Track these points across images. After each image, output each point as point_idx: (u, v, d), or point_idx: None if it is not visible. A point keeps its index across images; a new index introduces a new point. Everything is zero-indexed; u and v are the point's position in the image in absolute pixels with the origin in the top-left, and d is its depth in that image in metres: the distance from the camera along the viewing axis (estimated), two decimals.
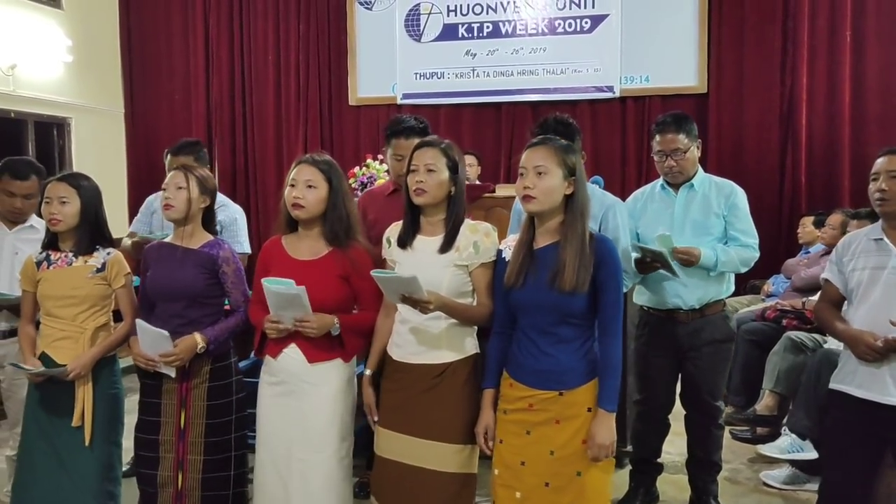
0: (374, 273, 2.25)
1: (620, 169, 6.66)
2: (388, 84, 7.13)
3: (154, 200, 3.69)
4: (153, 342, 2.55)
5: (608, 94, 6.68)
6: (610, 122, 6.72)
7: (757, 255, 3.06)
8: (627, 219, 3.01)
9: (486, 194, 4.99)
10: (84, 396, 2.70)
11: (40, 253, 2.78)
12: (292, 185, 2.50)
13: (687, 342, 3.05)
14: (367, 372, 2.54)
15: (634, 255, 2.95)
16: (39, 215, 2.92)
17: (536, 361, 2.23)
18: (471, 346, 2.45)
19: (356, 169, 6.12)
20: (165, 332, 2.52)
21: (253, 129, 7.49)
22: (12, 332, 3.18)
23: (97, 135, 7.25)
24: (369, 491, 2.95)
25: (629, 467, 3.35)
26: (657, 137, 3.07)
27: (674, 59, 6.53)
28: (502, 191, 5.52)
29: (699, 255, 2.90)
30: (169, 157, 3.67)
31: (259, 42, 7.40)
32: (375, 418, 2.50)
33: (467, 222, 2.44)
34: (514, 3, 6.82)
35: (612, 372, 2.19)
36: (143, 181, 7.51)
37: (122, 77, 7.64)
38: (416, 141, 3.16)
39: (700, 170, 3.12)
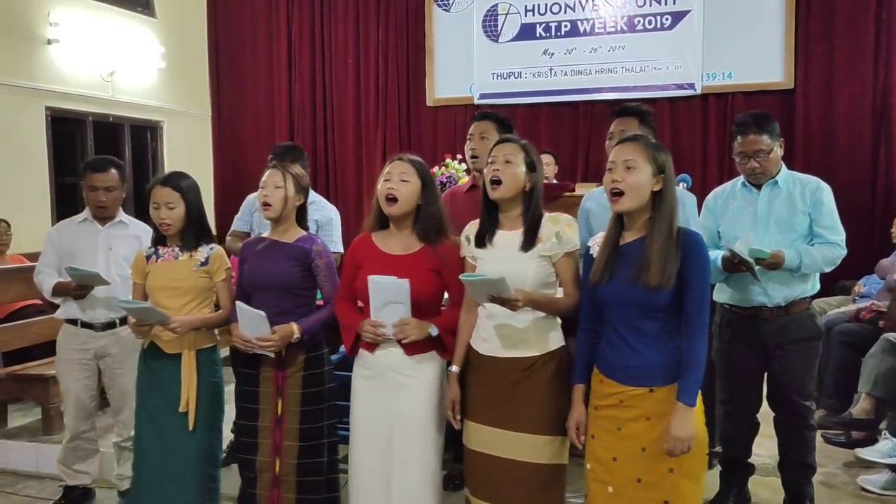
0: (463, 277, 2.29)
1: (702, 167, 6.55)
2: (466, 84, 7.20)
3: (255, 199, 3.84)
4: (251, 323, 2.64)
5: (689, 92, 6.58)
6: (691, 119, 6.62)
7: (843, 252, 2.97)
8: (696, 212, 2.98)
9: (566, 193, 4.98)
10: (189, 384, 2.84)
11: (150, 248, 2.94)
12: (386, 180, 2.55)
13: (772, 340, 2.99)
14: (454, 369, 2.55)
15: (724, 253, 2.91)
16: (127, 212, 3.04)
17: (625, 357, 2.23)
18: (556, 339, 2.46)
19: (435, 169, 6.20)
20: (262, 313, 2.60)
21: (333, 132, 7.68)
22: (111, 325, 3.36)
23: (187, 138, 7.58)
24: (458, 483, 3.01)
25: (719, 468, 3.29)
26: (738, 139, 3.01)
27: (758, 55, 6.38)
28: (582, 189, 5.50)
29: (783, 259, 2.85)
30: (272, 160, 3.80)
31: (339, 47, 7.59)
32: (458, 416, 2.52)
33: (548, 214, 2.46)
34: (593, 1, 6.79)
35: (694, 366, 2.16)
36: (228, 182, 7.82)
37: (210, 82, 7.96)
38: (489, 123, 3.24)
39: (783, 167, 3.05)
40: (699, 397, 2.20)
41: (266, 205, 2.74)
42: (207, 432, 2.90)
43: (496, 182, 2.41)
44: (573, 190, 5.02)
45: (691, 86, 6.58)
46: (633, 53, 6.72)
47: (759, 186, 3.04)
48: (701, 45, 6.52)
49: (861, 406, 3.84)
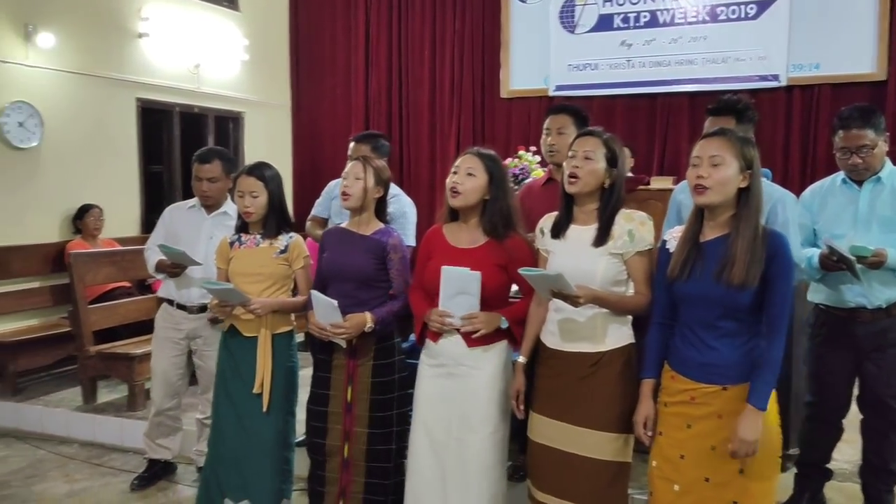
0: (522, 271, 2.30)
1: (783, 162, 6.33)
2: (541, 76, 7.16)
3: (335, 187, 3.93)
4: (325, 311, 2.73)
5: (773, 83, 6.36)
6: (773, 112, 6.39)
7: None
8: (797, 213, 2.87)
9: (641, 187, 4.91)
10: (264, 366, 2.94)
11: (233, 235, 3.06)
12: (454, 173, 2.60)
13: (870, 343, 2.87)
14: (521, 360, 2.57)
15: (821, 251, 2.81)
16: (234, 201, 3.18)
17: (700, 354, 2.19)
18: (626, 335, 2.44)
19: (508, 160, 6.20)
20: (334, 302, 2.69)
21: (408, 122, 7.76)
22: (203, 308, 3.51)
23: (266, 127, 7.79)
24: (523, 474, 3.02)
25: (793, 470, 3.20)
26: (840, 133, 2.87)
27: (848, 45, 6.13)
28: (657, 183, 5.40)
29: (886, 257, 2.72)
30: (352, 143, 3.90)
31: (416, 38, 7.65)
32: (521, 406, 2.54)
33: (622, 211, 2.43)
34: None
35: (769, 369, 2.12)
36: (306, 170, 8.01)
37: (290, 73, 8.14)
38: (566, 117, 3.21)
39: (888, 162, 2.91)
40: (774, 398, 2.16)
41: (345, 195, 2.80)
42: (282, 415, 3.01)
43: (574, 177, 2.40)
44: (648, 184, 4.94)
45: (776, 77, 6.36)
46: (715, 44, 6.54)
47: (860, 183, 2.90)
48: (787, 35, 6.29)
49: None
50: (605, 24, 6.90)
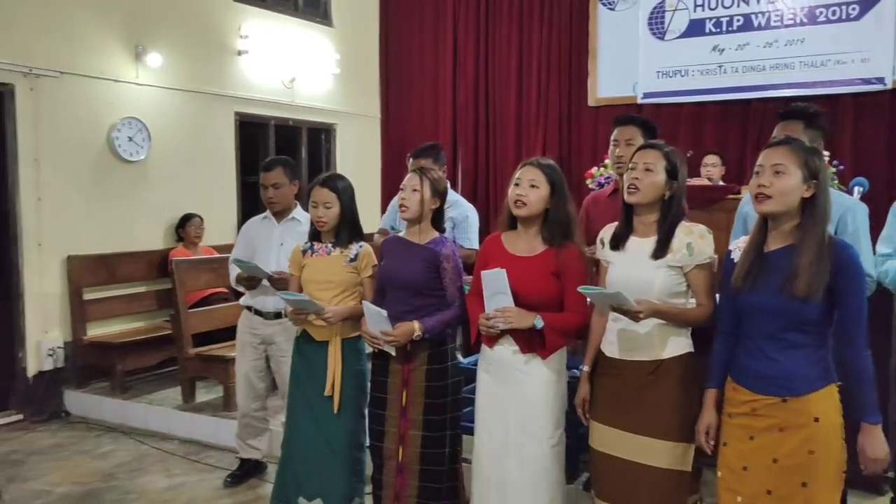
0: (582, 289, 2.33)
1: (887, 170, 5.99)
2: (629, 84, 7.05)
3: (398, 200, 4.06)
4: (375, 320, 2.83)
5: (878, 87, 6.04)
6: (877, 117, 6.06)
7: None
8: (867, 224, 2.76)
9: (731, 195, 4.79)
10: (334, 369, 3.06)
11: (306, 243, 3.20)
12: (516, 185, 2.65)
13: None
14: (585, 368, 2.61)
15: None
16: (304, 209, 3.30)
17: (761, 366, 2.16)
18: (684, 344, 2.44)
19: (594, 169, 6.16)
20: (383, 312, 2.79)
21: (495, 131, 7.80)
22: (278, 315, 3.67)
23: (357, 138, 8.01)
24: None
25: (890, 494, 3.05)
26: None
27: None
28: (748, 191, 5.23)
29: None
30: (411, 160, 4.00)
31: (503, 47, 7.69)
32: (587, 415, 2.57)
33: (682, 224, 2.43)
34: None
35: (865, 381, 2.09)
36: (394, 180, 8.12)
37: (380, 85, 8.34)
38: (634, 129, 3.19)
39: None
40: (840, 412, 2.11)
41: (403, 206, 2.90)
42: (353, 416, 3.12)
43: (633, 188, 2.41)
44: (738, 192, 4.80)
45: (880, 80, 6.03)
46: (814, 47, 6.26)
47: None
48: (893, 36, 5.96)
49: None
50: (696, 29, 6.74)
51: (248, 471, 4.00)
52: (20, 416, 5.08)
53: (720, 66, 6.64)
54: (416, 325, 2.81)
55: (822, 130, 2.85)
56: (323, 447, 3.06)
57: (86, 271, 5.43)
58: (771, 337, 2.15)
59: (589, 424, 2.58)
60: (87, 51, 5.49)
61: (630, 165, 2.47)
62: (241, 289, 3.83)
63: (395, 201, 4.13)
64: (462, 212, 3.89)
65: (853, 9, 6.13)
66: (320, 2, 7.67)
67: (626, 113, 3.38)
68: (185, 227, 6.03)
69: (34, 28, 5.15)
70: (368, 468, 3.15)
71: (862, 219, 2.75)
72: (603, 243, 2.57)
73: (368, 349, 3.07)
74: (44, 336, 5.25)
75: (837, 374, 2.14)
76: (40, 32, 5.18)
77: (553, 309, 2.63)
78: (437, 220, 2.99)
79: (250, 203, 6.88)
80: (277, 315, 3.67)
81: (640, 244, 2.45)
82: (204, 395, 5.19)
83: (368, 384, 3.14)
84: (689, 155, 5.19)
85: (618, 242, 2.50)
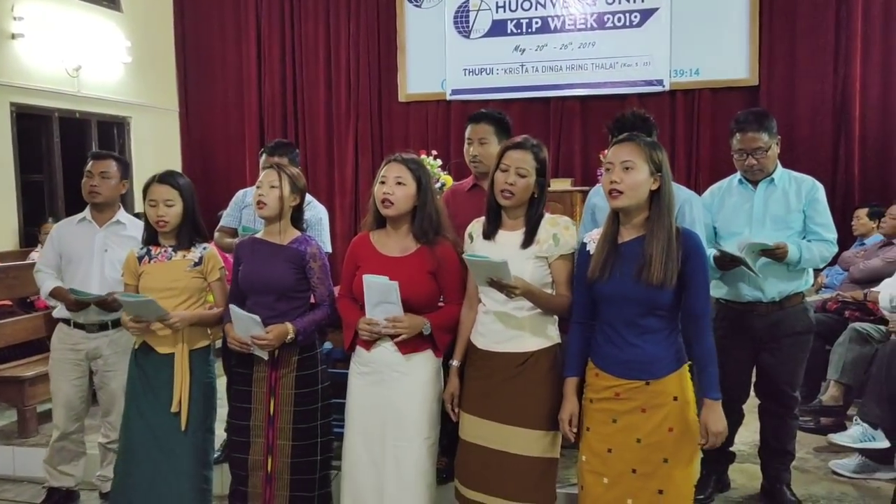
0: (466, 256, 2.35)
1: (670, 162, 6.64)
2: (438, 80, 7.23)
3: (244, 196, 3.81)
4: (246, 326, 2.66)
5: (658, 88, 6.71)
6: (659, 115, 6.68)
7: (835, 250, 3.08)
8: (702, 212, 3.04)
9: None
10: (182, 384, 2.83)
11: (141, 248, 2.92)
12: (382, 183, 2.58)
13: (766, 334, 3.08)
14: (455, 363, 2.62)
15: (714, 252, 2.99)
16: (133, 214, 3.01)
17: (622, 352, 2.28)
18: (553, 335, 2.52)
19: None
20: (256, 317, 2.63)
21: (304, 126, 7.64)
22: (103, 326, 3.33)
23: (154, 133, 7.48)
24: (444, 476, 3.05)
25: (700, 455, 3.39)
26: (737, 136, 3.06)
27: (724, 52, 6.55)
28: (555, 185, 5.57)
29: (787, 250, 2.92)
30: (264, 155, 3.79)
31: (310, 41, 7.54)
32: (456, 409, 2.59)
33: (547, 216, 2.51)
34: None
35: (711, 362, 2.26)
36: (197, 177, 7.68)
37: (177, 76, 7.84)
38: (486, 126, 3.17)
39: (779, 165, 3.14)
40: (692, 389, 2.29)
41: (261, 203, 2.74)
42: (200, 432, 2.91)
43: (508, 193, 2.43)
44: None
45: (660, 82, 6.71)
46: (603, 50, 6.82)
47: (755, 183, 3.10)
48: (669, 43, 6.65)
49: (830, 393, 3.98)
50: (499, 29, 7.05)
51: (58, 501, 3.57)
52: None
53: (522, 66, 7.01)
54: (289, 326, 2.68)
55: (655, 128, 3.01)
56: (167, 468, 2.82)
57: None
58: (630, 324, 2.28)
59: (459, 417, 2.59)
60: None
61: (501, 167, 2.47)
62: (52, 303, 3.41)
63: (238, 198, 3.91)
64: (315, 213, 3.73)
65: (635, 16, 6.74)
66: None
67: (479, 110, 3.35)
68: None
69: None
70: (220, 485, 2.94)
71: (698, 208, 2.99)
72: (472, 237, 2.59)
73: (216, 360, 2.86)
74: None
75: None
76: None
77: (430, 308, 2.62)
78: (297, 218, 2.85)
79: (32, 204, 6.17)
80: (102, 326, 3.31)
81: (509, 237, 2.50)
82: None
83: (216, 396, 2.95)
84: None
85: (487, 237, 2.53)
